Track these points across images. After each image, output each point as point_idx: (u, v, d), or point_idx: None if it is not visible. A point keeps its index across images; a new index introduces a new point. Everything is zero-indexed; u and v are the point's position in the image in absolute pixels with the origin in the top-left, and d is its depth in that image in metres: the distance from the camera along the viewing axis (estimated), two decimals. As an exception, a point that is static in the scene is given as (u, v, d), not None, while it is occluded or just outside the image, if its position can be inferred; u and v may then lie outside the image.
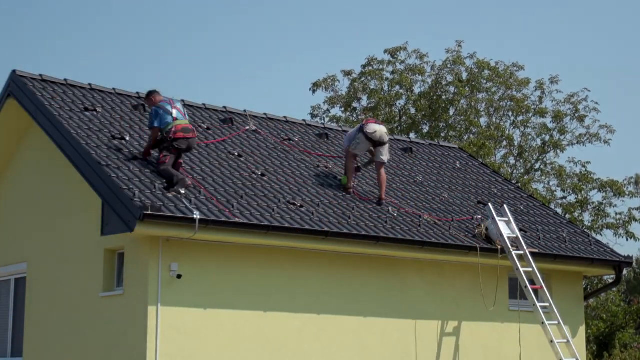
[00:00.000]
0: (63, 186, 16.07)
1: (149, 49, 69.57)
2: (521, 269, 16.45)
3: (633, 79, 64.71)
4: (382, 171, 17.15)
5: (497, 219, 16.99)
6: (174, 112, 15.10)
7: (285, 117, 19.92)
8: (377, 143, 17.08)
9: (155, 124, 15.01)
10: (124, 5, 68.09)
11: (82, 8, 67.03)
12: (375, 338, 15.88)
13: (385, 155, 17.20)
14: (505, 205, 17.92)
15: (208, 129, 17.71)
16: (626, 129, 59.51)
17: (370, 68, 34.24)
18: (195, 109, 18.53)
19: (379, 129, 17.06)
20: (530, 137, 33.32)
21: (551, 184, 32.51)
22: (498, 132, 32.52)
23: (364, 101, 34.31)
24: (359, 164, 17.83)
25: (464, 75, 33.41)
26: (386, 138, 17.14)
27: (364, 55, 43.69)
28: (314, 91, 34.58)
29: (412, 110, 33.78)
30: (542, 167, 33.09)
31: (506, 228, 16.96)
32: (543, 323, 16.25)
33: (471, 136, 32.59)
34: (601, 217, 31.16)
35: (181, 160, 15.20)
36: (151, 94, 15.61)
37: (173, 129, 14.91)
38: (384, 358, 15.92)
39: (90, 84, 17.61)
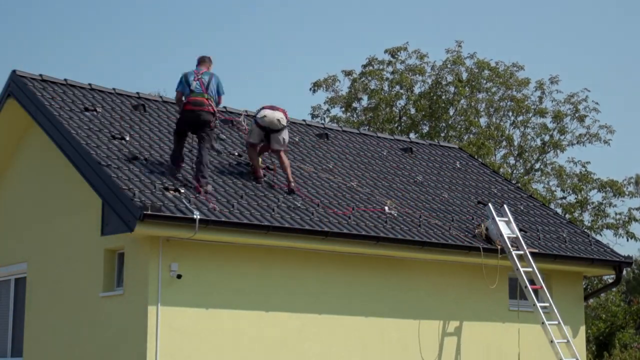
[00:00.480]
0: (63, 186, 16.06)
1: (149, 48, 69.59)
2: (521, 269, 16.43)
3: (633, 79, 64.75)
4: (283, 156, 15.79)
5: (497, 219, 16.98)
6: (194, 84, 15.22)
7: (285, 117, 19.86)
8: (269, 130, 15.71)
9: (178, 88, 15.44)
10: (125, 5, 68.09)
11: (82, 8, 67.05)
12: (376, 338, 15.87)
13: (278, 142, 15.71)
14: (505, 205, 17.91)
15: (208, 129, 17.68)
16: (626, 129, 59.57)
17: (371, 68, 34.22)
18: (195, 109, 18.48)
19: (269, 114, 15.64)
20: (530, 137, 33.33)
21: (551, 184, 32.53)
22: (498, 132, 32.50)
23: (364, 101, 34.31)
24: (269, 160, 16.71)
25: (464, 75, 33.39)
26: (279, 125, 15.65)
27: (365, 55, 43.70)
28: (314, 91, 34.59)
29: (412, 110, 33.75)
30: (542, 167, 33.09)
31: (506, 228, 16.94)
32: (543, 323, 16.24)
33: (471, 136, 32.57)
34: (601, 217, 31.16)
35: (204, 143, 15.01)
36: (203, 59, 15.65)
37: (185, 100, 15.20)
38: (384, 358, 15.91)
39: (90, 84, 17.61)
